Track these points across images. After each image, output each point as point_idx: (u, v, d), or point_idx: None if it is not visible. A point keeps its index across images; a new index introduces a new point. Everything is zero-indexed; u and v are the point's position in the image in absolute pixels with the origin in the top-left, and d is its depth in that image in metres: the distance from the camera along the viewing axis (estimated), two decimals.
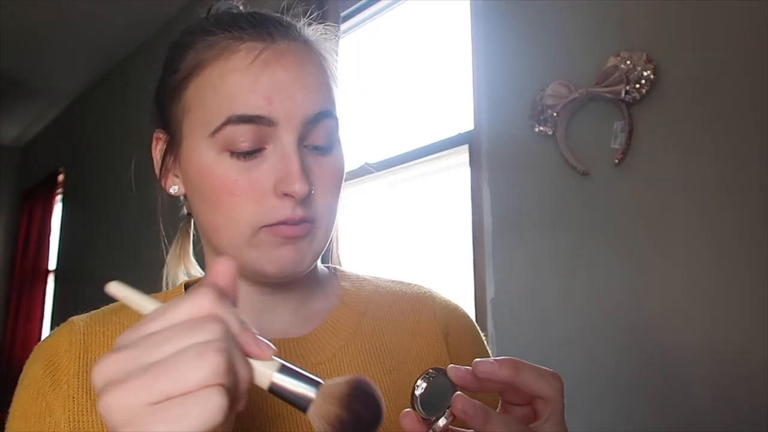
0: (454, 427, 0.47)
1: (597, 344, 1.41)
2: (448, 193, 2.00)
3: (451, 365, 0.46)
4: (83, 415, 0.52)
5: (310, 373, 0.38)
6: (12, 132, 5.23)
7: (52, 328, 0.59)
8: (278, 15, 0.60)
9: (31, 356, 0.57)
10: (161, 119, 0.61)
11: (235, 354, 0.35)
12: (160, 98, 0.61)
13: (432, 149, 1.98)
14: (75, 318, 0.59)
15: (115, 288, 0.40)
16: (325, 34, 0.62)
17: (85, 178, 4.29)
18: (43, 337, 0.60)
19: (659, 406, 1.30)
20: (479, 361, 0.45)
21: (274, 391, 0.37)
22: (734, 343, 1.20)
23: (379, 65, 2.39)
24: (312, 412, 0.37)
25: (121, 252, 3.60)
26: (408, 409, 0.45)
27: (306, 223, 0.54)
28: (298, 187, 0.52)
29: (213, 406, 0.32)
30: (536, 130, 1.56)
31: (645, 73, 1.35)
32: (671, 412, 1.28)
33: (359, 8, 2.29)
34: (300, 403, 0.37)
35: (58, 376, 0.54)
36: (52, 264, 4.68)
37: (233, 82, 0.53)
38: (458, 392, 0.43)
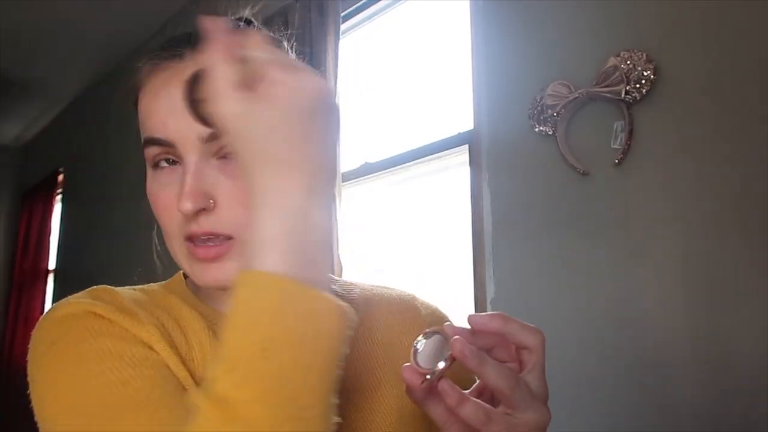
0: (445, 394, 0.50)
1: (597, 344, 1.41)
2: (448, 193, 2.00)
3: (447, 323, 0.52)
4: (160, 339, 0.52)
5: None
6: (12, 132, 5.23)
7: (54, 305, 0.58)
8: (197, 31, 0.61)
9: (54, 308, 0.54)
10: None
11: None
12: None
13: (432, 149, 1.98)
14: (98, 286, 0.58)
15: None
16: (280, 43, 0.63)
17: (85, 179, 4.29)
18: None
19: (658, 406, 1.30)
20: (473, 315, 0.51)
21: None
22: (733, 343, 1.20)
23: (379, 65, 2.39)
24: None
25: (120, 252, 3.60)
26: (408, 363, 0.49)
27: (219, 243, 0.55)
28: (182, 205, 0.53)
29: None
30: (536, 130, 1.56)
31: (645, 73, 1.35)
32: (670, 413, 1.28)
33: (359, 8, 2.29)
34: None
35: (118, 306, 0.54)
36: (51, 264, 4.68)
37: (143, 106, 0.58)
38: (457, 337, 0.48)
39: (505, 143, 1.68)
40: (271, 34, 0.63)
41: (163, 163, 0.57)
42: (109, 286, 0.58)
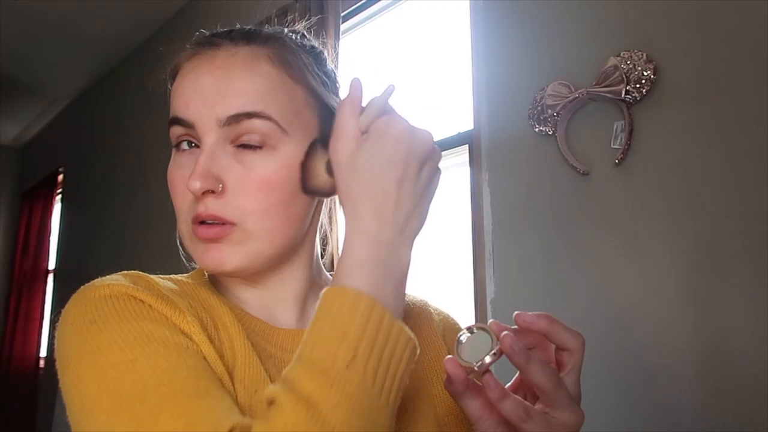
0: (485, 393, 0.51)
1: (597, 343, 1.41)
2: (448, 193, 2.00)
3: (492, 320, 0.53)
4: (199, 333, 0.51)
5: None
6: (12, 132, 5.23)
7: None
8: (246, 27, 0.63)
9: (96, 286, 0.53)
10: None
11: None
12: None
13: None
14: (131, 271, 0.57)
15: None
16: (303, 44, 0.64)
17: (85, 178, 4.29)
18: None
19: (659, 405, 1.30)
20: (521, 312, 0.52)
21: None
22: (731, 342, 1.21)
23: (379, 65, 2.39)
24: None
25: (120, 252, 3.60)
26: (450, 356, 0.50)
27: (222, 225, 0.55)
28: (191, 184, 0.54)
29: None
30: (536, 130, 1.56)
31: (645, 73, 1.35)
32: (669, 413, 1.28)
33: (359, 8, 2.29)
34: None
35: (157, 294, 0.52)
36: (51, 264, 4.68)
37: (173, 89, 0.61)
38: (506, 332, 0.49)
39: (505, 143, 1.68)
40: (311, 42, 0.66)
41: (185, 145, 0.59)
42: (143, 273, 0.57)
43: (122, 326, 0.48)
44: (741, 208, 1.22)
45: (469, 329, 0.52)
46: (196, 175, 0.54)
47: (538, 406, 0.50)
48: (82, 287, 0.53)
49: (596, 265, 1.44)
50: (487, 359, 0.48)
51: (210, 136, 0.56)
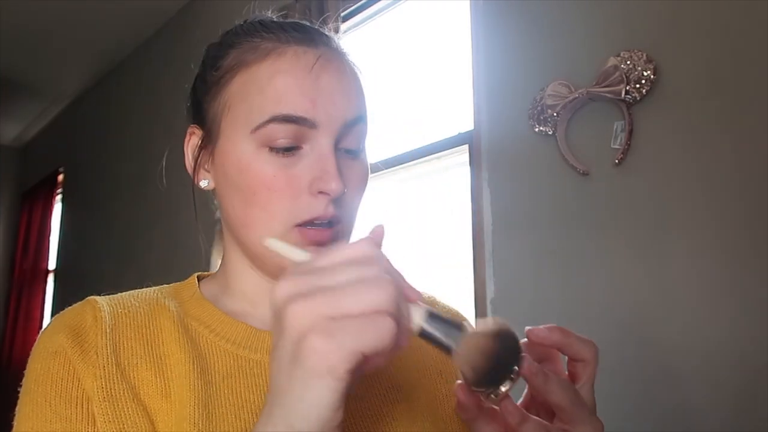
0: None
1: (597, 343, 1.41)
2: (448, 193, 2.00)
3: None
4: (114, 383, 0.53)
5: (453, 319, 0.42)
6: (12, 132, 5.23)
7: (59, 313, 0.59)
8: (311, 25, 0.63)
9: (52, 327, 0.57)
10: (197, 115, 0.63)
11: (399, 292, 0.39)
12: (197, 94, 0.63)
13: (432, 149, 1.98)
14: (95, 297, 0.59)
15: (272, 243, 0.48)
16: (352, 48, 0.65)
17: (85, 178, 4.29)
18: (48, 320, 0.59)
19: (659, 405, 1.30)
20: (533, 328, 0.50)
21: (424, 335, 0.41)
22: (734, 341, 1.21)
23: (379, 65, 2.39)
24: (457, 357, 0.41)
25: (120, 252, 3.60)
26: (460, 381, 0.47)
27: (333, 226, 0.56)
28: (335, 186, 0.54)
29: (385, 329, 0.36)
30: (536, 130, 1.56)
31: (645, 73, 1.35)
32: (671, 411, 1.28)
33: (359, 8, 2.29)
34: (446, 348, 0.41)
35: (86, 347, 0.54)
36: (52, 264, 4.68)
37: (281, 83, 0.56)
38: (525, 354, 0.46)
39: (505, 143, 1.68)
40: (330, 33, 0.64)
41: (282, 143, 0.55)
42: (97, 304, 0.58)
43: (42, 409, 0.52)
44: (741, 207, 1.22)
45: None
46: (338, 177, 0.54)
47: (556, 423, 0.48)
48: (46, 326, 0.57)
49: (596, 264, 1.44)
50: (503, 388, 0.44)
51: (331, 137, 0.56)
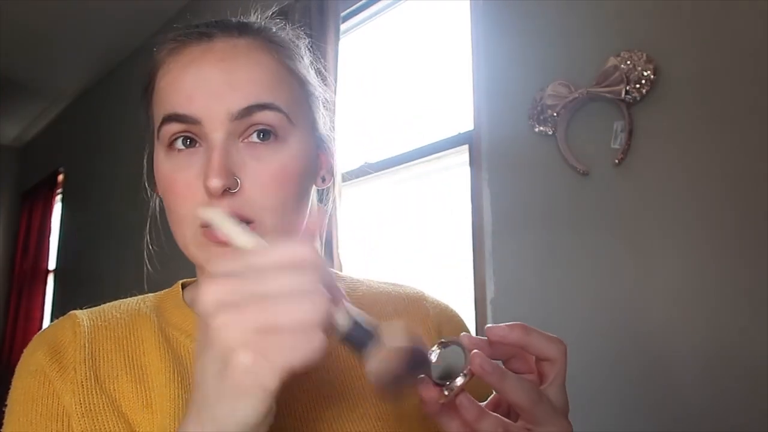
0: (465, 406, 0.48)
1: (597, 344, 1.41)
2: (448, 193, 2.00)
3: (464, 333, 0.49)
4: (92, 397, 0.53)
5: (373, 326, 0.42)
6: (12, 132, 5.23)
7: (42, 329, 0.60)
8: (232, 19, 0.61)
9: (32, 346, 0.57)
10: (146, 131, 0.63)
11: (330, 302, 0.37)
12: (141, 112, 0.64)
13: (432, 149, 1.98)
14: (76, 312, 0.60)
15: (212, 213, 0.45)
16: (297, 35, 0.63)
17: (85, 178, 4.29)
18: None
19: (658, 405, 1.30)
20: (492, 326, 0.48)
21: (346, 340, 0.41)
22: (733, 343, 1.20)
23: (379, 65, 2.39)
24: (371, 366, 0.41)
25: (120, 252, 3.60)
26: (422, 376, 0.46)
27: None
28: (210, 183, 0.51)
29: (316, 343, 0.35)
30: (536, 130, 1.56)
31: (645, 73, 1.35)
32: (669, 411, 1.28)
33: (359, 8, 2.29)
34: (361, 355, 0.41)
35: (64, 363, 0.55)
36: (51, 264, 4.68)
37: (166, 83, 0.56)
38: (476, 351, 0.45)
39: (505, 143, 1.68)
40: (293, 33, 0.64)
41: (180, 144, 0.55)
42: (77, 319, 0.58)
43: (24, 429, 0.52)
44: (741, 207, 1.22)
45: (440, 344, 0.47)
46: (215, 172, 0.51)
47: (519, 423, 0.46)
48: (29, 344, 0.58)
49: (596, 265, 1.44)
50: (458, 382, 0.45)
51: (219, 132, 0.53)
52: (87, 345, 0.56)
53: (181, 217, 0.55)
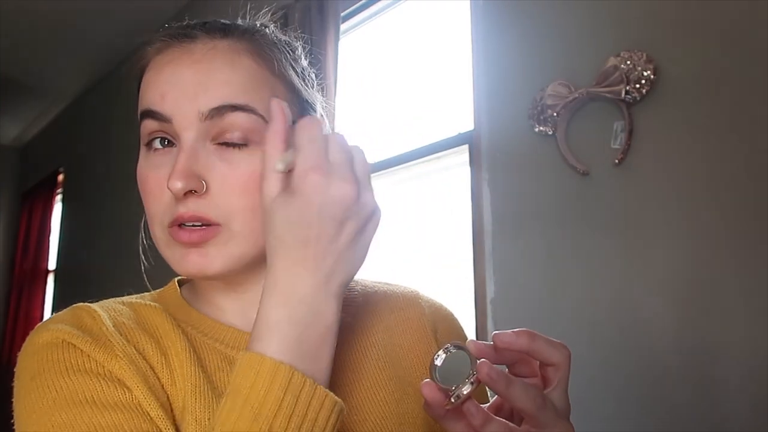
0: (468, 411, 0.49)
1: (597, 343, 1.41)
2: (448, 193, 2.00)
3: (470, 340, 0.50)
4: (138, 362, 0.52)
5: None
6: (12, 132, 5.23)
7: (46, 319, 0.58)
8: (221, 20, 0.60)
9: (42, 327, 0.54)
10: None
11: None
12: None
13: (432, 149, 1.98)
14: (80, 304, 0.58)
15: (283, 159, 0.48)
16: (293, 38, 0.63)
17: (85, 178, 4.29)
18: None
19: (658, 404, 1.30)
20: (499, 332, 0.49)
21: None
22: (734, 342, 1.20)
23: (379, 65, 2.39)
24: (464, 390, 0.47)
25: (120, 252, 3.60)
26: (427, 380, 0.47)
27: (206, 227, 0.53)
28: (172, 184, 0.51)
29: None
30: (536, 130, 1.56)
31: (645, 73, 1.35)
32: (669, 410, 1.28)
33: (359, 8, 2.29)
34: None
35: (95, 336, 0.53)
36: (52, 264, 4.68)
37: (144, 82, 0.57)
38: (483, 360, 0.46)
39: (505, 143, 1.67)
40: (285, 37, 0.63)
41: (157, 144, 0.55)
42: (90, 306, 0.56)
43: (56, 383, 0.49)
44: (741, 207, 1.22)
45: (446, 350, 0.48)
46: (178, 174, 0.51)
47: (524, 427, 0.47)
48: (32, 331, 0.54)
49: (596, 264, 1.44)
50: (465, 390, 0.46)
51: (189, 132, 0.53)
52: (110, 324, 0.54)
53: (152, 215, 0.55)
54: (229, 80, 0.54)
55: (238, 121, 0.53)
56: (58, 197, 4.73)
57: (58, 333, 0.52)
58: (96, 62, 4.01)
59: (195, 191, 0.52)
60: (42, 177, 4.84)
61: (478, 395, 0.50)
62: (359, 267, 0.49)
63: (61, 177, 4.64)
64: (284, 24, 2.14)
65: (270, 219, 0.47)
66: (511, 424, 0.47)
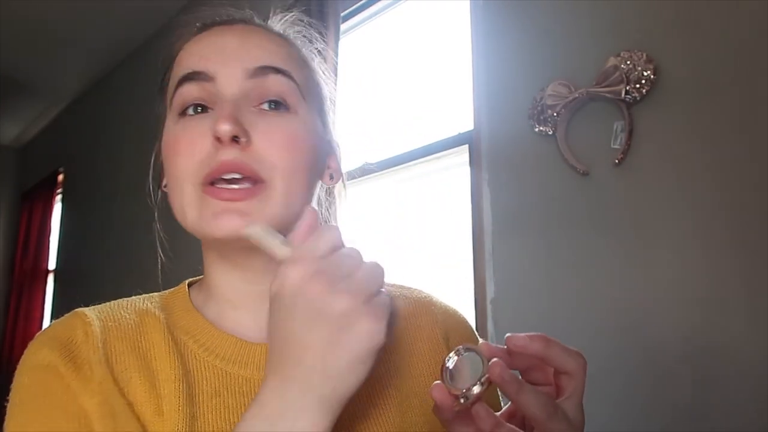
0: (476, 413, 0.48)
1: (597, 343, 1.41)
2: (448, 193, 2.00)
3: (483, 341, 0.49)
4: (113, 398, 0.50)
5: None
6: (12, 132, 5.23)
7: (46, 327, 0.57)
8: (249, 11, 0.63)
9: (38, 342, 0.53)
10: (158, 125, 0.63)
11: None
12: (156, 105, 0.63)
13: (432, 149, 1.98)
14: (83, 310, 0.56)
15: (253, 229, 0.47)
16: (306, 35, 0.65)
17: (85, 178, 4.29)
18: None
19: (659, 405, 1.30)
20: (512, 335, 0.47)
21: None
22: (733, 343, 1.20)
23: (379, 65, 2.39)
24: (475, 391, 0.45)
25: (120, 252, 3.60)
26: (438, 382, 0.46)
27: (248, 187, 0.51)
28: (220, 127, 0.50)
29: (388, 302, 0.42)
30: (536, 130, 1.56)
31: (645, 73, 1.35)
32: (671, 413, 1.28)
33: (359, 8, 2.29)
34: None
35: (79, 362, 0.51)
36: (51, 264, 4.68)
37: (181, 56, 0.58)
38: (496, 359, 0.45)
39: (505, 143, 1.67)
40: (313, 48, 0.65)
41: (191, 111, 0.54)
42: (87, 317, 0.55)
43: (36, 420, 0.49)
44: (741, 207, 1.22)
45: (457, 352, 0.46)
46: (225, 118, 0.50)
47: None
48: (31, 342, 0.54)
49: (596, 265, 1.44)
50: (475, 390, 0.44)
51: (233, 88, 0.53)
52: (101, 346, 0.53)
53: (180, 175, 0.53)
54: (270, 48, 0.57)
55: (278, 84, 0.55)
56: (58, 197, 4.73)
57: (47, 355, 0.52)
58: (96, 62, 4.01)
59: (239, 139, 0.51)
60: (42, 177, 4.84)
61: (492, 405, 0.49)
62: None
63: (61, 177, 4.64)
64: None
65: (270, 309, 0.44)
66: (521, 431, 0.45)
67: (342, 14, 2.16)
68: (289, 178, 0.53)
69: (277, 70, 0.55)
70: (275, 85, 0.54)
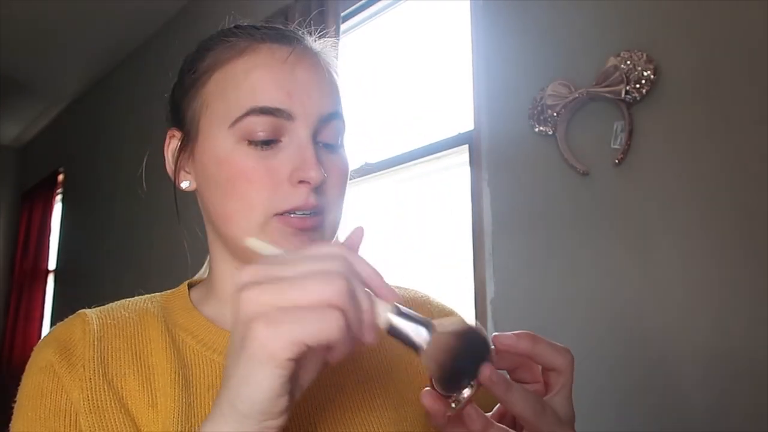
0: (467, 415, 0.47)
1: (596, 344, 1.41)
2: (448, 193, 2.00)
3: None
4: (100, 394, 0.54)
5: (421, 317, 0.42)
6: (12, 132, 5.23)
7: (52, 327, 0.60)
8: (292, 27, 0.64)
9: (42, 343, 0.58)
10: (175, 118, 0.64)
11: (359, 288, 0.40)
12: (175, 98, 0.64)
13: (432, 149, 1.98)
14: (85, 311, 0.60)
15: (252, 242, 0.49)
16: (331, 47, 0.66)
17: (85, 178, 4.29)
18: (43, 335, 0.60)
19: (659, 406, 1.30)
20: (499, 334, 0.47)
21: (392, 332, 0.42)
22: (733, 344, 1.21)
23: (379, 65, 2.39)
24: (425, 356, 0.41)
25: (121, 252, 3.60)
26: (428, 388, 0.46)
27: (317, 216, 0.56)
28: (314, 174, 0.54)
29: (331, 322, 0.37)
30: (536, 130, 1.57)
31: (645, 73, 1.36)
32: (671, 413, 1.28)
33: (359, 8, 2.29)
34: (414, 346, 0.42)
35: (73, 360, 0.55)
36: (51, 264, 4.68)
37: (257, 77, 0.57)
38: (485, 363, 0.45)
39: (505, 143, 1.68)
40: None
41: (261, 136, 0.56)
42: (87, 317, 0.59)
43: (32, 424, 0.53)
44: (741, 207, 1.22)
45: None
46: (317, 166, 0.55)
47: None
48: (37, 346, 0.58)
49: (596, 265, 1.44)
50: (466, 393, 0.44)
51: (307, 129, 0.57)
52: (96, 343, 0.57)
53: (253, 203, 0.56)
54: (333, 89, 0.61)
55: (338, 126, 0.60)
56: (58, 197, 4.73)
57: (46, 356, 0.56)
58: (96, 62, 4.01)
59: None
60: (42, 177, 4.84)
61: (486, 406, 0.48)
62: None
63: (60, 177, 4.64)
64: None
65: (243, 330, 0.40)
66: (511, 430, 0.46)
67: (342, 14, 2.16)
68: (339, 206, 0.60)
69: (338, 115, 0.60)
70: (336, 128, 0.60)
